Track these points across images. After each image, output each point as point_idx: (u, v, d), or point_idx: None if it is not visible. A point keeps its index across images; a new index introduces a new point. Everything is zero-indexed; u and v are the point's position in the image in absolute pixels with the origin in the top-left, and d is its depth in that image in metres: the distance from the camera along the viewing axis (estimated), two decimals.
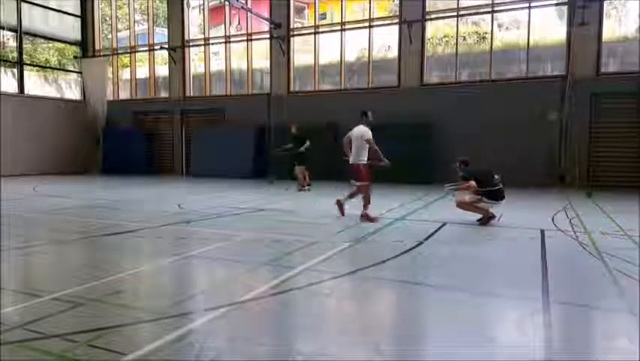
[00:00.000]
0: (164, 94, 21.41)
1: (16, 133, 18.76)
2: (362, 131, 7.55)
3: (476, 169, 7.75)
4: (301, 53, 18.78)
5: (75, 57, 22.45)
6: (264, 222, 8.01)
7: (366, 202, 7.66)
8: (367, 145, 7.53)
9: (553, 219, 7.94)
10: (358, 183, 7.68)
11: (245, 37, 19.45)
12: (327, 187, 13.25)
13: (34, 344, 2.97)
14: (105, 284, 4.23)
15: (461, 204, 7.67)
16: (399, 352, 3.08)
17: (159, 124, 21.07)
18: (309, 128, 16.77)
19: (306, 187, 12.79)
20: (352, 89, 17.60)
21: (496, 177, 7.55)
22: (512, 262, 5.46)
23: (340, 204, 7.98)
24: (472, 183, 7.36)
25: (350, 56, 18.02)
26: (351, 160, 7.65)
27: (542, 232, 6.83)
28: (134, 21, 21.95)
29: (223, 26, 20.12)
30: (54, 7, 21.37)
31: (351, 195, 7.93)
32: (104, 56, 22.26)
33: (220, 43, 19.98)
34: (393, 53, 17.04)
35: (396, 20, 16.59)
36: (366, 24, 17.22)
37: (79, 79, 22.67)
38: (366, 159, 7.64)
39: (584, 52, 13.99)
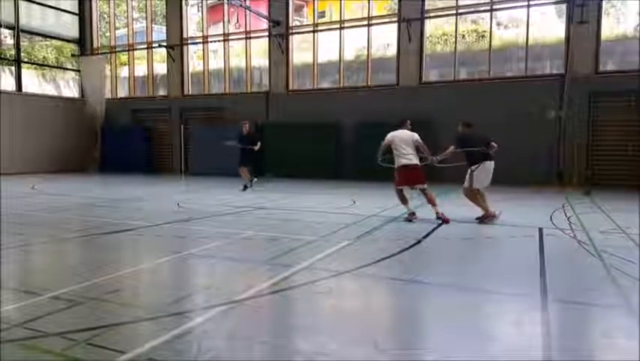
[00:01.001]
0: (162, 92, 21.36)
1: (14, 131, 18.70)
2: (413, 134, 7.72)
3: (473, 133, 7.81)
4: (300, 51, 18.77)
5: (73, 55, 22.39)
6: (262, 220, 8.01)
7: (433, 200, 7.68)
8: (415, 147, 7.69)
9: (551, 218, 7.95)
10: (425, 186, 7.71)
11: (244, 35, 19.42)
12: (335, 187, 13.26)
13: (33, 343, 2.96)
14: (104, 283, 4.23)
15: (466, 192, 7.72)
16: (398, 350, 3.08)
17: (158, 122, 21.03)
18: (309, 127, 16.89)
19: (249, 185, 12.58)
20: (351, 87, 17.59)
21: (493, 144, 7.50)
22: (510, 260, 5.47)
23: (441, 216, 7.51)
24: (450, 148, 7.70)
25: (349, 55, 18.01)
26: (412, 162, 7.64)
27: (540, 230, 6.85)
28: (133, 19, 21.90)
29: (222, 24, 20.09)
30: (52, 4, 21.29)
31: (433, 201, 7.69)
32: (102, 53, 22.20)
33: (219, 41, 19.95)
34: (392, 52, 17.03)
35: (395, 18, 16.58)
36: (365, 22, 17.20)
37: (77, 77, 22.62)
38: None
39: (582, 50, 14.01)
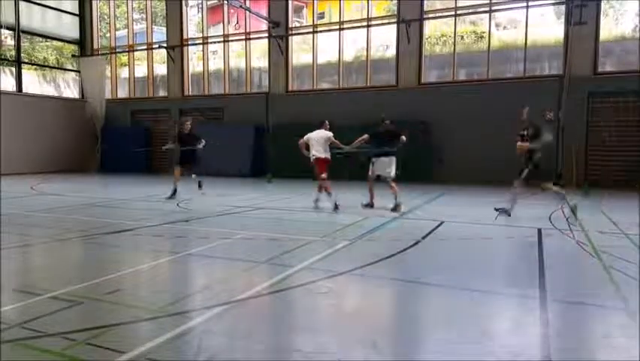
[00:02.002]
0: (162, 93, 21.39)
1: (15, 131, 18.72)
2: (328, 134, 9.27)
3: (385, 129, 9.06)
4: (300, 52, 18.79)
5: (73, 56, 22.42)
6: (262, 220, 8.03)
7: (328, 189, 9.10)
8: (329, 143, 9.24)
9: (550, 218, 7.97)
10: (325, 176, 9.12)
11: (243, 36, 19.45)
12: (334, 188, 13.25)
13: (33, 343, 2.98)
14: (104, 283, 4.25)
15: (368, 179, 9.11)
16: (397, 350, 3.10)
17: (158, 123, 21.05)
18: (309, 127, 16.87)
19: (198, 187, 11.05)
20: (350, 88, 17.61)
21: (402, 138, 8.87)
22: (510, 260, 5.49)
23: (316, 200, 9.27)
24: (364, 136, 9.06)
25: (348, 55, 18.04)
26: (323, 156, 9.15)
27: (539, 230, 6.87)
28: (133, 20, 21.93)
29: (221, 25, 20.12)
30: (52, 5, 21.33)
31: (328, 190, 9.09)
32: (102, 54, 22.23)
33: (219, 42, 19.98)
34: (391, 52, 17.06)
35: (394, 19, 16.61)
36: (365, 23, 17.23)
37: (77, 78, 22.65)
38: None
39: (581, 51, 14.03)
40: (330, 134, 9.30)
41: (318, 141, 9.20)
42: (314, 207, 9.07)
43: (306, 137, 9.39)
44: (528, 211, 9.13)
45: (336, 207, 8.76)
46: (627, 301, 3.83)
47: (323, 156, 9.15)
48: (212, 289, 4.25)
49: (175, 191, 10.67)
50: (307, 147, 9.29)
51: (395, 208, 8.56)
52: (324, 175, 9.08)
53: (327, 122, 9.50)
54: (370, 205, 9.06)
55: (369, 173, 9.15)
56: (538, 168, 7.97)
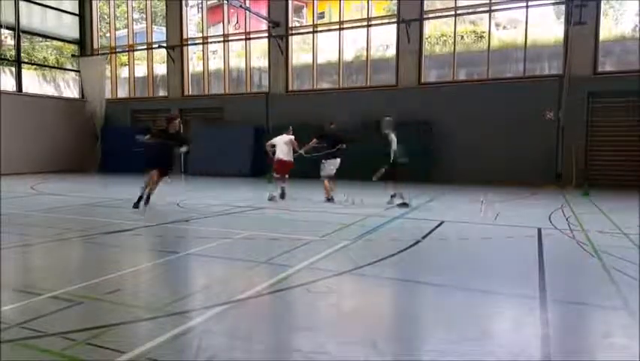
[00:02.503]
0: (162, 93, 21.38)
1: (15, 131, 18.71)
2: (290, 137, 10.47)
3: (333, 132, 10.20)
4: (300, 51, 18.79)
5: (73, 55, 22.42)
6: (262, 220, 8.03)
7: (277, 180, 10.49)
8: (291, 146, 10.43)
9: (550, 218, 7.97)
10: (286, 176, 10.51)
11: (243, 36, 19.44)
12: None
13: (32, 343, 2.98)
14: (104, 283, 4.25)
15: (323, 180, 10.08)
16: (397, 350, 3.10)
17: (158, 123, 21.01)
18: (308, 127, 16.88)
19: (147, 195, 9.09)
20: (350, 88, 17.61)
21: (341, 146, 9.97)
22: (510, 260, 5.49)
23: (272, 196, 10.32)
24: (313, 140, 10.20)
25: (348, 55, 18.04)
26: (286, 158, 10.34)
27: (539, 230, 6.87)
28: (133, 19, 21.93)
29: (221, 25, 20.11)
30: (52, 5, 21.33)
31: (276, 180, 10.52)
32: (102, 54, 22.22)
33: (218, 42, 19.97)
34: (391, 52, 17.06)
35: (394, 19, 16.61)
36: (364, 23, 17.23)
37: (77, 77, 22.64)
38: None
39: (581, 51, 14.03)
40: (292, 137, 10.51)
41: (283, 144, 10.42)
42: (270, 198, 10.18)
43: (273, 140, 10.69)
44: (528, 211, 9.14)
45: (271, 198, 10.16)
46: (627, 301, 3.83)
47: (285, 158, 10.34)
48: (212, 289, 4.26)
49: (141, 198, 8.94)
50: (274, 150, 10.45)
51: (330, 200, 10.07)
52: (279, 175, 10.53)
53: (291, 127, 10.85)
54: (331, 199, 9.99)
55: (330, 172, 10.05)
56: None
